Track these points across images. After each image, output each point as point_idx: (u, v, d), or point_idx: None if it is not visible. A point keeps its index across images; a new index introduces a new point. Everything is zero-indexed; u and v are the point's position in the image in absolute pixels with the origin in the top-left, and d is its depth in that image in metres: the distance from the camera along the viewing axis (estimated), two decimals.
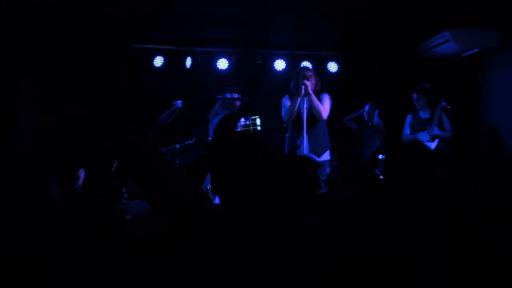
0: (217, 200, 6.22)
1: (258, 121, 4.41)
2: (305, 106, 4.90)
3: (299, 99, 4.94)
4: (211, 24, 6.48)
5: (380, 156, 6.13)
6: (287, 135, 5.26)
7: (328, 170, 5.15)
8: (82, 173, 5.01)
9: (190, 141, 6.51)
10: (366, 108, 6.61)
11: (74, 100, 6.14)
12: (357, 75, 7.14)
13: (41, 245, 2.12)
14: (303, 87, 4.87)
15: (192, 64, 7.06)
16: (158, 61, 7.01)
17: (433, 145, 5.68)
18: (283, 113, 5.14)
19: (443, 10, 5.58)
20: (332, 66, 7.37)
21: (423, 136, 5.73)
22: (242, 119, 4.55)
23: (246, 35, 6.96)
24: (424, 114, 5.87)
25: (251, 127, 4.55)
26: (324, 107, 4.99)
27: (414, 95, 5.92)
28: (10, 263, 1.90)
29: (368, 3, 5.53)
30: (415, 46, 6.58)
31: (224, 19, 6.27)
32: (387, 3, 5.49)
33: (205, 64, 7.15)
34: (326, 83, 5.69)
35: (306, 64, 7.06)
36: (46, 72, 5.94)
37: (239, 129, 4.62)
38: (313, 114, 4.94)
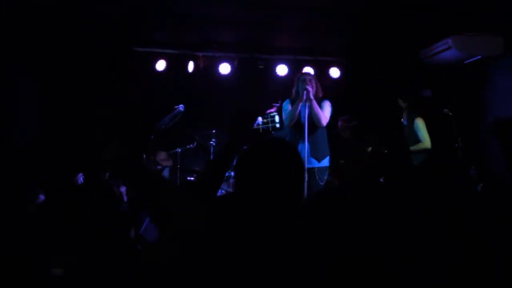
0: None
1: (277, 118, 4.32)
2: (306, 111, 4.88)
3: (300, 104, 4.94)
4: (214, 28, 6.50)
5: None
6: (286, 139, 5.24)
7: (327, 176, 5.12)
8: (80, 178, 5.01)
9: (191, 145, 6.51)
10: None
11: (74, 103, 6.16)
12: (359, 81, 7.14)
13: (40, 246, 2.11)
14: (305, 92, 4.87)
15: (194, 69, 7.07)
16: (161, 65, 7.02)
17: None
18: (284, 117, 5.13)
19: (446, 15, 5.59)
20: (334, 72, 7.37)
21: None
22: (259, 118, 4.45)
23: (249, 40, 6.97)
24: (404, 121, 5.75)
25: (270, 125, 4.47)
26: (325, 114, 4.98)
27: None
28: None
29: (370, 8, 5.54)
30: (417, 51, 6.57)
31: (227, 23, 6.29)
32: (389, 8, 5.50)
33: (207, 68, 7.16)
34: (328, 88, 5.68)
35: (308, 69, 7.06)
36: (47, 74, 5.96)
37: (260, 125, 4.51)
38: (313, 120, 4.93)
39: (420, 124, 5.49)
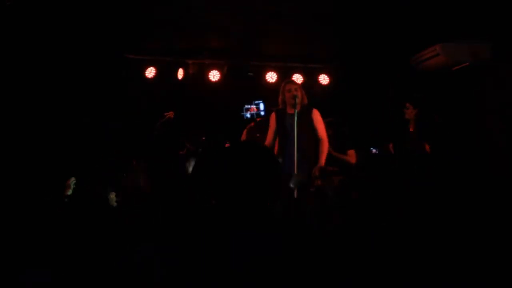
0: None
1: (261, 106, 4.26)
2: (295, 119, 4.84)
3: (288, 113, 4.92)
4: (204, 35, 6.50)
5: (374, 150, 6.04)
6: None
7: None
8: (72, 182, 4.98)
9: (181, 152, 6.50)
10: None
11: (66, 109, 6.14)
12: (349, 88, 7.16)
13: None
14: (294, 101, 4.84)
15: (183, 76, 7.06)
16: (150, 72, 7.01)
17: None
18: (269, 131, 5.11)
19: (435, 23, 5.62)
20: (324, 79, 7.38)
21: None
22: (246, 105, 4.35)
23: (238, 47, 6.97)
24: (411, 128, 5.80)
25: (254, 112, 4.44)
26: (323, 127, 4.96)
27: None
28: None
29: (359, 16, 5.56)
30: (406, 58, 6.60)
31: (217, 31, 6.29)
32: (378, 16, 5.52)
33: (197, 75, 7.15)
34: (317, 95, 5.67)
35: (296, 76, 7.07)
36: (38, 78, 5.93)
37: (246, 112, 4.45)
38: (304, 130, 4.87)
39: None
